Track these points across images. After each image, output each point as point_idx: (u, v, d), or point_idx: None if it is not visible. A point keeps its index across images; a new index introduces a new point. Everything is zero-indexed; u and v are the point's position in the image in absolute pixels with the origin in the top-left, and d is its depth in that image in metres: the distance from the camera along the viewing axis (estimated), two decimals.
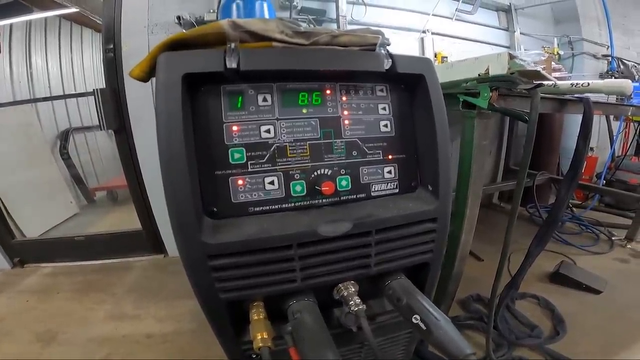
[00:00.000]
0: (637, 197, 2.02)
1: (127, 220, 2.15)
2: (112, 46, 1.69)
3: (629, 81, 1.03)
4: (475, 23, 2.51)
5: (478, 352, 1.18)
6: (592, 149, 2.78)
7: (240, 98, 0.47)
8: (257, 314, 0.49)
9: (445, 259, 1.20)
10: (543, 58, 1.29)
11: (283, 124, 0.49)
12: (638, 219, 1.98)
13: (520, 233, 1.97)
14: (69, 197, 2.86)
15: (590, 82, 1.06)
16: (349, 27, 2.05)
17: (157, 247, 1.95)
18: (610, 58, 2.76)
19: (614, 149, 2.89)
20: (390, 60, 0.50)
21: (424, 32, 2.33)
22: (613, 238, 2.03)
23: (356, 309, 0.49)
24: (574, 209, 2.51)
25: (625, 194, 2.24)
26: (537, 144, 2.48)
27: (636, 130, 2.80)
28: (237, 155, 0.47)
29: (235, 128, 0.47)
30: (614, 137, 2.85)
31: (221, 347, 0.55)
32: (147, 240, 1.93)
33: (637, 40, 3.02)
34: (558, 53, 2.43)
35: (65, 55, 3.67)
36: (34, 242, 2.05)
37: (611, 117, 2.77)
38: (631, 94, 1.82)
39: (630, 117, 2.59)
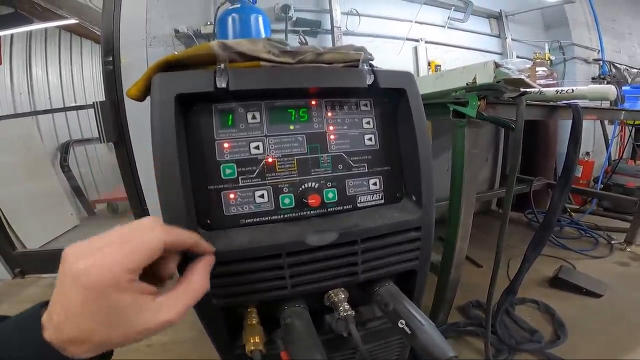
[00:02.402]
0: (634, 200, 2.02)
1: None
2: (111, 59, 1.70)
3: (613, 87, 1.05)
4: (467, 31, 2.55)
5: (478, 358, 1.19)
6: (588, 153, 2.80)
7: (230, 116, 0.50)
8: (250, 320, 0.50)
9: (442, 267, 1.21)
10: (528, 66, 1.32)
11: (272, 141, 0.51)
12: (636, 222, 1.98)
13: (519, 239, 1.98)
14: (69, 209, 2.88)
15: (574, 88, 1.08)
16: (344, 38, 2.08)
17: None
18: (601, 62, 2.80)
19: (610, 152, 2.91)
20: (373, 75, 0.52)
21: (417, 40, 2.36)
22: (612, 242, 2.03)
23: (345, 314, 0.51)
24: (573, 213, 2.52)
25: (623, 198, 2.25)
26: (533, 150, 2.54)
27: (630, 133, 2.82)
28: (228, 171, 0.49)
29: (226, 145, 0.49)
30: (610, 141, 2.87)
31: (216, 351, 0.57)
32: None
33: (627, 43, 3.06)
34: (550, 58, 2.46)
35: (65, 67, 3.70)
36: (34, 253, 2.07)
37: (605, 121, 2.79)
38: (623, 98, 1.85)
39: (625, 121, 2.62)
